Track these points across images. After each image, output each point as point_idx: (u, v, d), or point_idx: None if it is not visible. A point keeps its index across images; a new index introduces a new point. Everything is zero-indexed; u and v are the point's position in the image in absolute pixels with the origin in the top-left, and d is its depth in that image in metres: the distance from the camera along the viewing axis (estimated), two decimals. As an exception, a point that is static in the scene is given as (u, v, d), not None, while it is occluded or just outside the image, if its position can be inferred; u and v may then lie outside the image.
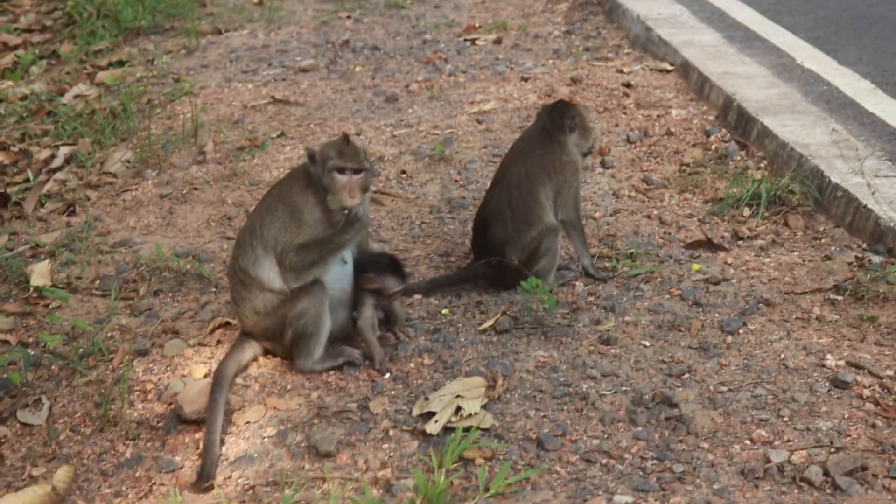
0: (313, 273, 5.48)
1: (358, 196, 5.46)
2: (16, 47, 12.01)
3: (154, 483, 4.91)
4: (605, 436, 4.96)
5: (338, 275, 5.58)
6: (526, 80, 9.83)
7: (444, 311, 6.10)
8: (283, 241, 5.47)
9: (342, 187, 5.44)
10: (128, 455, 5.08)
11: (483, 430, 4.96)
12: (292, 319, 5.45)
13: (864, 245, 6.68)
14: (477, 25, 11.81)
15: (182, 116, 9.16)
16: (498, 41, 11.21)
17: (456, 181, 7.82)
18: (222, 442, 5.04)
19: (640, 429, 5.00)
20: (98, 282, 6.66)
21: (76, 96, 10.15)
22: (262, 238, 5.50)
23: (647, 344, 5.71)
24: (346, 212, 5.46)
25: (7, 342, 6.05)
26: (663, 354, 5.61)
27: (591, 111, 6.43)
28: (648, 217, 7.21)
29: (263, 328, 5.56)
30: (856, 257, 6.51)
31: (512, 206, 6.23)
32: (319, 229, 5.52)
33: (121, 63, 11.06)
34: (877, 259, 6.45)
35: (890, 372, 5.45)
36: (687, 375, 5.42)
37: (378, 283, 5.68)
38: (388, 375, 5.48)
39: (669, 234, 6.96)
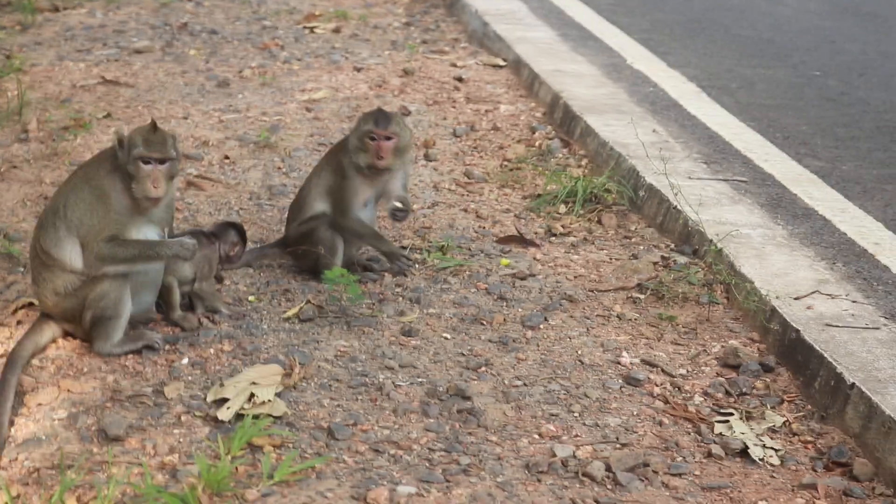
0: (119, 269, 5.43)
1: (162, 186, 5.40)
2: None
3: (-63, 464, 4.84)
4: (397, 427, 5.00)
5: (143, 259, 5.56)
6: (359, 70, 9.88)
7: (250, 298, 6.11)
8: (89, 224, 5.41)
9: (146, 176, 5.39)
10: None
11: (275, 417, 4.97)
12: (92, 302, 5.40)
13: (672, 245, 6.82)
14: (317, 14, 11.83)
15: (9, 94, 9.03)
16: (337, 30, 11.25)
17: (279, 168, 7.83)
18: (12, 423, 4.97)
19: (431, 420, 5.05)
20: None
21: None
22: (66, 219, 5.43)
23: (449, 336, 5.78)
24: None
25: None
26: (463, 347, 5.68)
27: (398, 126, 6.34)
28: (465, 211, 7.29)
29: (63, 309, 5.51)
30: (661, 257, 6.65)
31: (300, 185, 6.39)
32: (125, 216, 5.46)
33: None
34: (682, 259, 6.59)
35: (683, 371, 5.59)
36: (484, 369, 5.49)
37: (218, 241, 5.98)
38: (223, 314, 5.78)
39: (484, 228, 7.05)
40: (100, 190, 5.46)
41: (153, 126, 5.49)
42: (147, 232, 5.55)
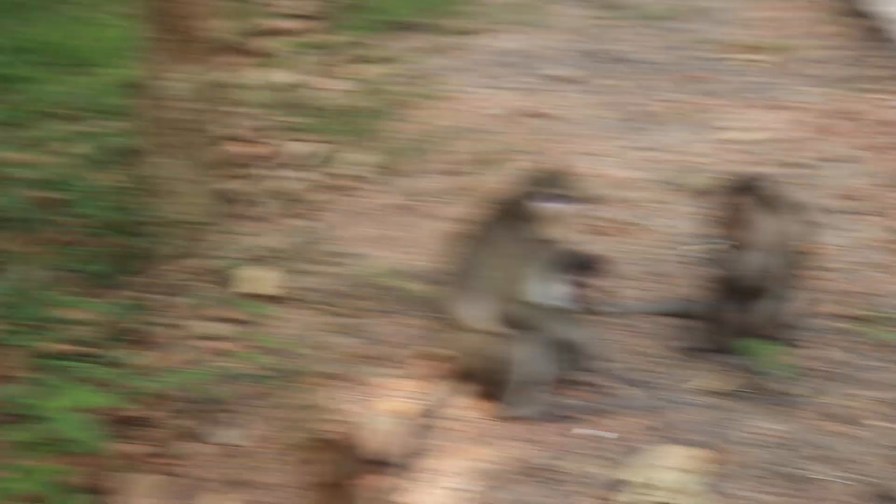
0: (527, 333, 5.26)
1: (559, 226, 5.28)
2: (288, 33, 11.98)
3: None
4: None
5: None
6: (789, 108, 9.29)
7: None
8: (498, 281, 5.26)
9: (546, 216, 5.24)
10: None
11: (686, 509, 4.59)
12: (499, 363, 5.22)
13: None
14: (754, 45, 11.16)
15: (424, 121, 8.94)
16: (772, 63, 10.59)
17: (691, 215, 7.36)
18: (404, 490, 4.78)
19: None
20: (314, 294, 6.47)
21: (328, 90, 10.04)
22: (473, 280, 5.29)
23: (884, 425, 5.20)
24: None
25: (215, 351, 5.93)
26: (899, 439, 5.09)
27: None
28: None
29: (471, 369, 5.34)
30: None
31: None
32: (529, 265, 5.28)
33: (376, 59, 10.90)
34: None
35: None
36: (921, 467, 4.90)
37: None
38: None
39: (917, 295, 6.39)
40: (504, 242, 5.29)
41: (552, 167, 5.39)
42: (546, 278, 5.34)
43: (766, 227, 5.55)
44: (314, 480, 4.68)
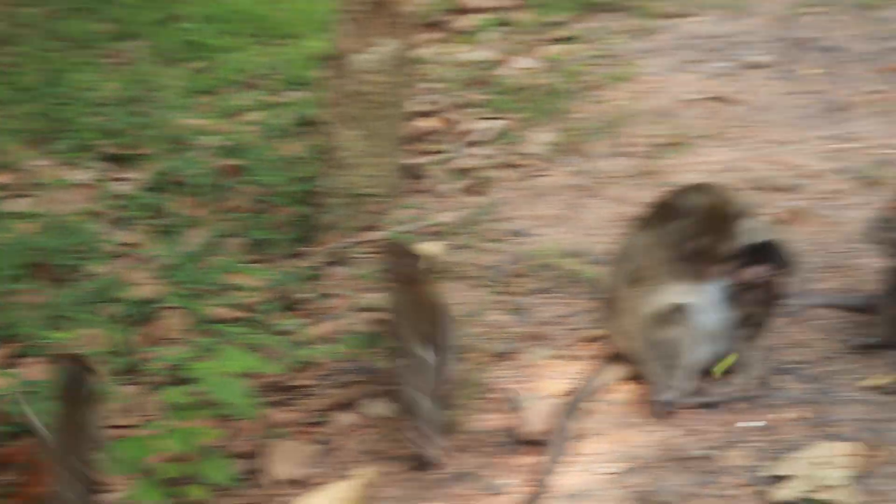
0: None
1: None
2: (482, 10, 11.95)
3: (470, 505, 4.64)
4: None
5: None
6: None
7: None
8: (645, 266, 5.19)
9: None
10: (452, 469, 4.81)
11: (843, 507, 4.41)
12: (655, 348, 5.09)
13: None
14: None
15: (612, 103, 8.82)
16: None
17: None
18: (556, 473, 4.70)
19: None
20: (483, 270, 6.43)
21: (517, 69, 9.99)
22: (630, 260, 5.23)
23: None
24: None
25: (376, 323, 5.93)
26: None
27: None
28: None
29: (627, 352, 5.24)
30: None
31: None
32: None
33: (569, 39, 10.80)
34: None
35: None
36: None
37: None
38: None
39: None
40: (672, 236, 5.16)
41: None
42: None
43: None
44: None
